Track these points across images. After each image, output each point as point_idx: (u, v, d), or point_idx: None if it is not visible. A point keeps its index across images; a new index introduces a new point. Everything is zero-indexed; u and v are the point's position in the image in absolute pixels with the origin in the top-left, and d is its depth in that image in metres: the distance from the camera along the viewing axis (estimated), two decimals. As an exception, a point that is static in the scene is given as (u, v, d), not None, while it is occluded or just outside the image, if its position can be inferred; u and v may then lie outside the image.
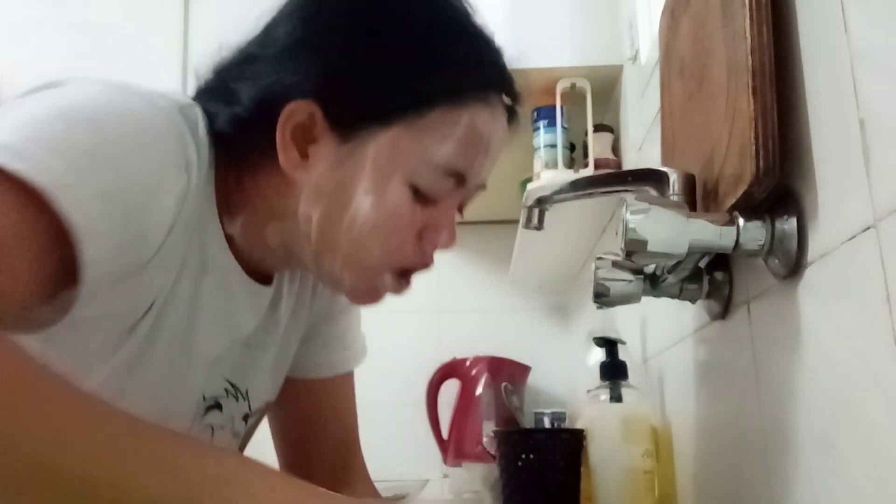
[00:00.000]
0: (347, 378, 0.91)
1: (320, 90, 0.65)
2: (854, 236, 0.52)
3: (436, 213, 0.68)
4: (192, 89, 0.71)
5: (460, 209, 0.72)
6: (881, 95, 0.49)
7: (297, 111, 0.65)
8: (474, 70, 0.68)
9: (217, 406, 0.74)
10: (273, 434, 0.90)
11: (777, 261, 0.63)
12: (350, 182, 0.65)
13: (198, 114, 0.64)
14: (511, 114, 0.72)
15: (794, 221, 0.61)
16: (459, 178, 0.68)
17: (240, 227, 0.68)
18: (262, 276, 0.73)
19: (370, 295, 0.70)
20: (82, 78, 0.58)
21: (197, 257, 0.65)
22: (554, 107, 1.37)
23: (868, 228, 0.50)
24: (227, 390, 0.74)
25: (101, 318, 0.59)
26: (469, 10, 0.70)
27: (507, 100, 0.71)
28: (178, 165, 0.58)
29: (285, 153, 0.65)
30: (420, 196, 0.67)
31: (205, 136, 0.64)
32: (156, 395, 0.65)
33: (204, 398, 0.72)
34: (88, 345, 0.60)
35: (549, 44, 1.40)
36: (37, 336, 0.56)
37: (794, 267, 0.61)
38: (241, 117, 0.65)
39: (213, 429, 0.74)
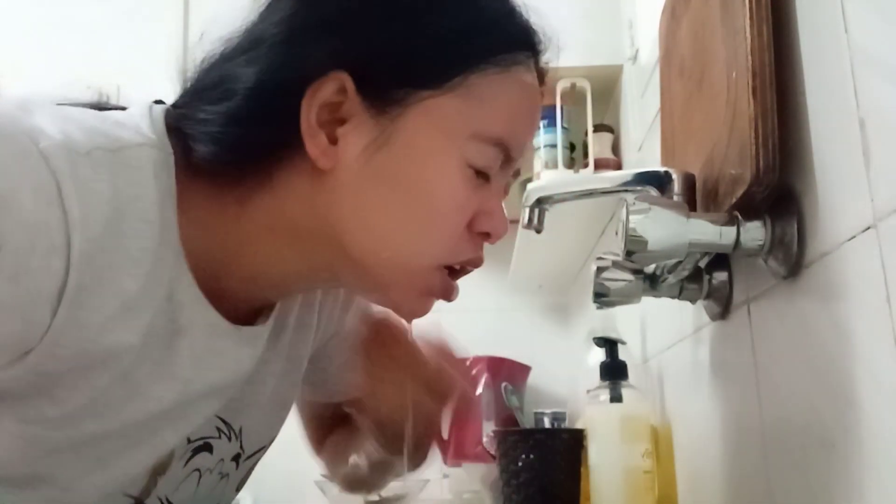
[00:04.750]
0: None
1: (348, 58, 0.55)
2: (854, 236, 0.52)
3: (485, 196, 0.60)
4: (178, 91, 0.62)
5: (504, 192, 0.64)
6: (881, 95, 0.49)
7: (325, 86, 0.55)
8: (515, 27, 0.60)
9: (206, 448, 0.65)
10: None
11: (777, 261, 0.63)
12: (395, 163, 0.56)
13: (145, 160, 0.54)
14: (541, 80, 0.64)
15: (794, 221, 0.61)
16: (507, 153, 0.60)
17: (246, 266, 0.59)
18: (258, 312, 0.65)
19: (420, 304, 0.62)
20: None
21: (165, 321, 0.56)
22: (554, 107, 1.37)
23: (868, 228, 0.50)
24: (218, 429, 0.65)
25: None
26: None
27: (541, 62, 0.63)
28: (34, 237, 0.47)
29: (313, 139, 0.55)
30: (474, 175, 0.58)
31: (155, 191, 0.53)
32: (128, 454, 0.59)
33: (189, 440, 0.63)
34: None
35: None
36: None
37: (794, 267, 0.61)
38: (243, 107, 0.55)
39: (200, 473, 0.66)
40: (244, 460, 0.70)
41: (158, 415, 0.58)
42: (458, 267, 0.62)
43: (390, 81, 0.56)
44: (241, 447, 0.69)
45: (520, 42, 0.60)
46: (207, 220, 0.58)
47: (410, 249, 0.58)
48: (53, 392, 0.52)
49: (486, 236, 0.61)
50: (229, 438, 0.67)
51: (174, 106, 0.60)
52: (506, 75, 0.59)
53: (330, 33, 0.56)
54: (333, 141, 0.56)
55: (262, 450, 0.73)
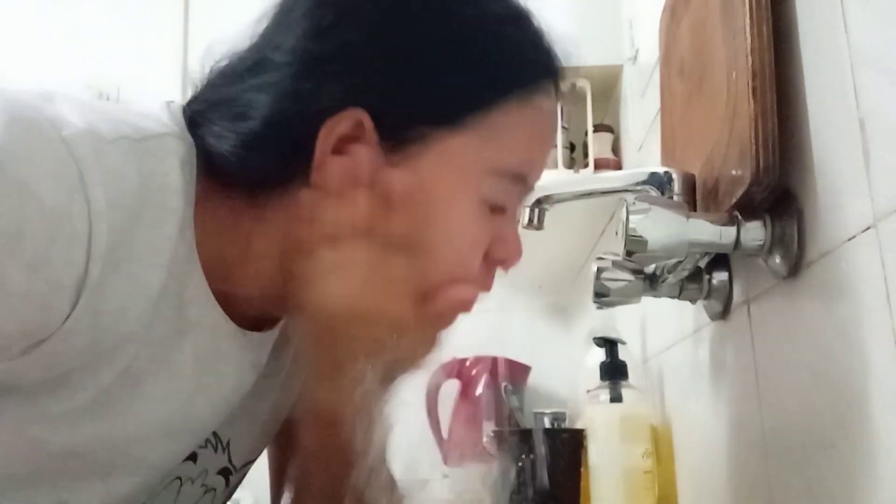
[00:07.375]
0: None
1: (363, 95, 0.53)
2: (854, 236, 0.52)
3: (500, 224, 0.59)
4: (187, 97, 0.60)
5: None
6: (881, 95, 0.49)
7: (342, 122, 0.53)
8: (535, 58, 0.59)
9: (191, 457, 0.63)
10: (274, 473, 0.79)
11: (777, 261, 0.63)
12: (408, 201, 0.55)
13: (170, 150, 0.53)
14: (558, 95, 0.62)
15: (794, 221, 0.61)
16: (524, 183, 0.59)
17: (255, 276, 0.58)
18: (265, 320, 0.63)
19: (432, 342, 0.59)
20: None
21: (172, 317, 0.54)
22: (554, 107, 1.37)
23: (868, 228, 0.50)
24: (207, 440, 0.64)
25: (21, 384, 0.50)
26: None
27: (559, 84, 0.61)
28: (48, 220, 0.46)
29: (323, 171, 0.54)
30: (490, 209, 0.57)
31: (180, 180, 0.53)
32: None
33: None
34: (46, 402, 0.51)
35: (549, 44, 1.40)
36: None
37: (794, 267, 0.61)
38: (259, 134, 0.54)
39: (181, 481, 0.64)
40: (234, 475, 0.68)
41: (160, 423, 0.57)
42: None
43: (405, 120, 0.55)
44: (230, 461, 0.67)
45: (539, 71, 0.59)
46: (223, 219, 0.56)
47: (426, 280, 0.56)
48: (58, 391, 0.51)
49: (501, 262, 0.61)
50: (215, 450, 0.65)
51: (188, 106, 0.59)
52: (524, 106, 0.58)
53: (342, 68, 0.54)
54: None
55: (249, 464, 0.71)
